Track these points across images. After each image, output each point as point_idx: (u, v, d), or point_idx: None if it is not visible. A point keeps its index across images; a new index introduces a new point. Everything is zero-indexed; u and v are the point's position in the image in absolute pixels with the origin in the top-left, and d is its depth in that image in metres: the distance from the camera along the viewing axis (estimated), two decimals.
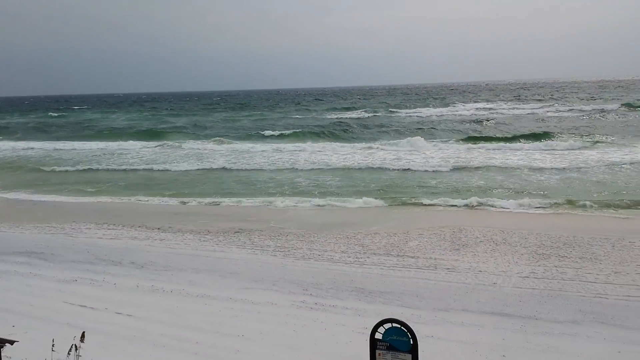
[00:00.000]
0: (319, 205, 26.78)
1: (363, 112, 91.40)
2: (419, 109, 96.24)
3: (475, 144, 48.52)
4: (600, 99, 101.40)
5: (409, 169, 36.63)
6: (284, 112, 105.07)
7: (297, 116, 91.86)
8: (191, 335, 11.52)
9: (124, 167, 43.22)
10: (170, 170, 40.57)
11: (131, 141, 61.00)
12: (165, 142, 59.03)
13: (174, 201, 28.96)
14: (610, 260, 16.55)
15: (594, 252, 17.38)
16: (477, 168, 35.54)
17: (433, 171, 35.43)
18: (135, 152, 52.58)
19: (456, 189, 29.51)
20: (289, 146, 51.34)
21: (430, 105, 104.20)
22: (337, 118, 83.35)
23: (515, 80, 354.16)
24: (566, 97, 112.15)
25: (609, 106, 79.08)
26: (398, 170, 36.52)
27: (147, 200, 29.40)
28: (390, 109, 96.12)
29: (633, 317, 12.34)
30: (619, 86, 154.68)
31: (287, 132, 63.33)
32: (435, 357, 10.17)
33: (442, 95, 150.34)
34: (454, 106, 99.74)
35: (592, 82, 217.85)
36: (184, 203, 28.40)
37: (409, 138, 51.36)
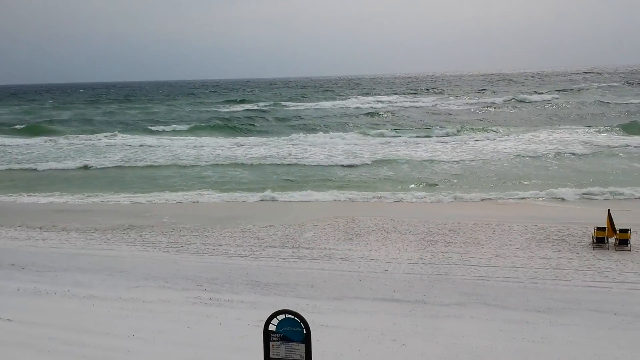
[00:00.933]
0: (216, 200, 26.44)
1: (255, 105, 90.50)
2: (320, 102, 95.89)
3: (377, 137, 49.06)
4: (492, 92, 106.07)
5: (307, 164, 36.79)
6: (178, 104, 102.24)
7: (191, 109, 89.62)
8: (79, 338, 10.97)
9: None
10: (51, 169, 38.17)
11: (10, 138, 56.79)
12: (50, 137, 55.38)
13: (59, 199, 27.47)
14: (492, 244, 17.57)
15: (477, 237, 18.37)
16: (382, 160, 36.48)
17: (330, 165, 35.93)
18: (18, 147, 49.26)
19: (362, 181, 30.23)
20: (187, 140, 50.10)
21: (328, 99, 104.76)
22: (232, 111, 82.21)
23: (408, 74, 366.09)
24: (456, 91, 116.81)
25: (497, 99, 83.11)
26: (301, 165, 36.59)
27: (30, 199, 27.69)
28: (283, 102, 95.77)
29: (512, 298, 13.16)
30: (502, 80, 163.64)
31: (184, 126, 61.25)
32: (329, 345, 10.34)
33: (336, 88, 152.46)
34: (350, 99, 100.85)
35: (480, 75, 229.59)
36: (69, 200, 27.02)
37: (320, 132, 52.33)
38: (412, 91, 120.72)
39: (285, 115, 73.33)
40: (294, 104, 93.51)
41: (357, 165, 34.99)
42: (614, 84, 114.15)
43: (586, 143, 39.14)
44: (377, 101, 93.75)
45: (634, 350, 9.94)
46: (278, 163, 36.85)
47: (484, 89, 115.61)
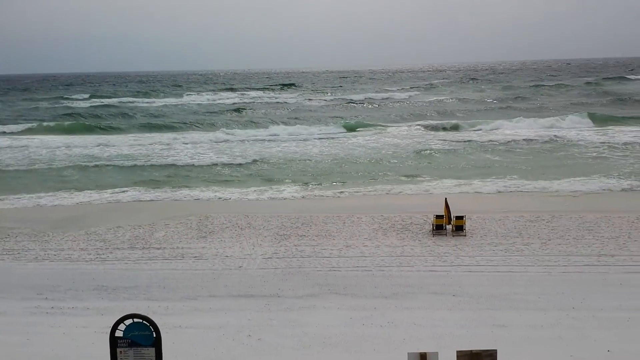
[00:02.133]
0: (60, 202, 24.74)
1: (100, 101, 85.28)
2: (173, 98, 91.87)
3: (244, 134, 48.06)
4: (347, 89, 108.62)
5: (173, 163, 35.39)
6: (10, 100, 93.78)
7: (29, 105, 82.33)
8: None
9: None
10: None
11: None
12: None
13: None
14: (342, 235, 18.20)
15: (328, 229, 18.93)
16: (251, 157, 36.16)
17: (196, 165, 35.04)
18: None
19: (221, 179, 29.84)
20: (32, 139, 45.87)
21: (177, 95, 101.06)
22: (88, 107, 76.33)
23: (262, 70, 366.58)
24: (316, 87, 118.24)
25: (356, 96, 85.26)
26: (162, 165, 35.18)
27: None
28: (132, 98, 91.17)
29: (361, 286, 13.73)
30: (358, 77, 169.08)
31: (26, 124, 55.77)
32: (184, 346, 10.13)
33: (185, 84, 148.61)
34: (206, 94, 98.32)
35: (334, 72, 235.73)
36: None
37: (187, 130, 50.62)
38: (270, 87, 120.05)
39: (140, 111, 69.59)
40: (145, 99, 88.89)
41: (218, 164, 34.37)
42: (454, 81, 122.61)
43: (444, 140, 41.23)
44: (241, 96, 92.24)
45: (470, 328, 10.80)
46: (139, 164, 34.59)
47: (341, 86, 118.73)
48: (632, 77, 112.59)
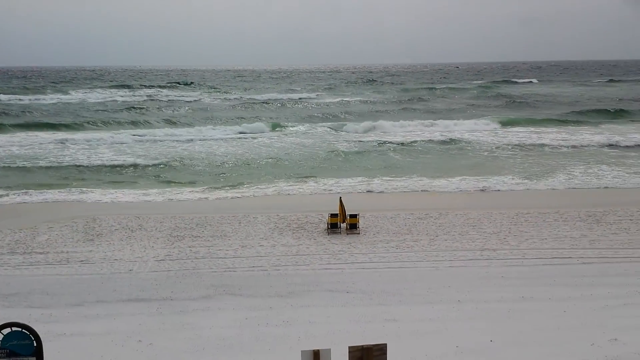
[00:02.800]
0: None
1: None
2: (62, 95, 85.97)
3: (149, 133, 46.07)
4: (253, 89, 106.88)
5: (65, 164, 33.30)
6: None
7: None
8: None
9: None
10: None
11: None
12: None
13: None
14: (238, 235, 18.05)
15: (223, 230, 18.71)
16: (151, 158, 34.74)
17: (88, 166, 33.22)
18: None
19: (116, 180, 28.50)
20: None
21: (64, 91, 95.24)
22: None
23: (156, 66, 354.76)
24: (217, 86, 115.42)
25: (259, 96, 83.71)
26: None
27: None
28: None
29: (257, 286, 13.70)
30: (254, 75, 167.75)
31: None
32: (69, 355, 9.63)
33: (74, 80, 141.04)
34: (98, 91, 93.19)
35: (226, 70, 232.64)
36: None
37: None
38: (168, 85, 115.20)
39: (27, 109, 64.45)
40: (31, 96, 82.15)
41: (115, 164, 32.65)
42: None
43: (348, 141, 41.55)
44: (137, 94, 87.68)
45: (362, 324, 11.05)
46: (29, 165, 31.94)
47: (243, 85, 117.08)
48: (518, 80, 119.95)
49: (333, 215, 18.60)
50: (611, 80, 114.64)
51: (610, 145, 36.78)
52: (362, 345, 5.62)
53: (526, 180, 26.71)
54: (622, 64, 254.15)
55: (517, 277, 14.05)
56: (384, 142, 39.83)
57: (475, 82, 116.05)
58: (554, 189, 25.15)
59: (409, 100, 76.02)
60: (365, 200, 23.31)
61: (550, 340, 9.85)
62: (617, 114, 55.78)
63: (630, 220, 19.10)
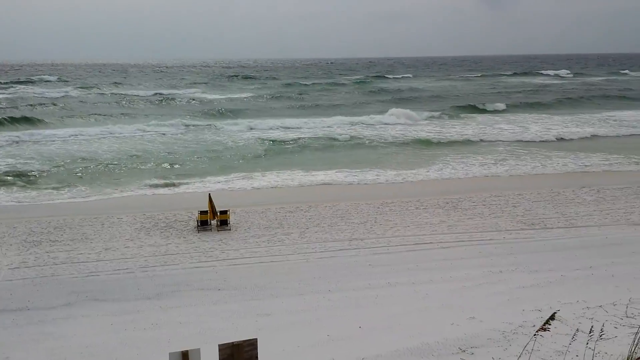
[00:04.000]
0: None
1: None
2: None
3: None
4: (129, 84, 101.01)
5: None
6: None
7: None
8: None
9: None
10: None
11: None
12: None
13: None
14: (101, 238, 17.18)
15: (84, 232, 17.72)
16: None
17: None
18: None
19: None
20: None
21: None
22: None
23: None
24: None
25: (143, 92, 79.29)
26: None
27: None
28: None
29: (124, 290, 13.12)
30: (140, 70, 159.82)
31: None
32: None
33: None
34: None
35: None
36: None
37: None
38: (36, 80, 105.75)
39: None
40: None
41: None
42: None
43: (229, 138, 40.69)
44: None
45: (235, 320, 10.98)
46: None
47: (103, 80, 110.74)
48: (390, 76, 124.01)
49: (203, 213, 18.27)
50: (483, 76, 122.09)
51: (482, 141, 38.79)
52: (232, 342, 5.54)
53: (394, 172, 27.89)
54: (487, 59, 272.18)
55: (383, 264, 14.62)
56: (266, 139, 39.57)
57: (352, 77, 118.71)
58: (420, 181, 26.45)
59: (294, 95, 75.84)
60: (236, 196, 23.14)
61: (414, 322, 10.36)
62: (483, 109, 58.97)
63: (484, 205, 20.56)
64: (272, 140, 38.83)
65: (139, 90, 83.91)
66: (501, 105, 58.71)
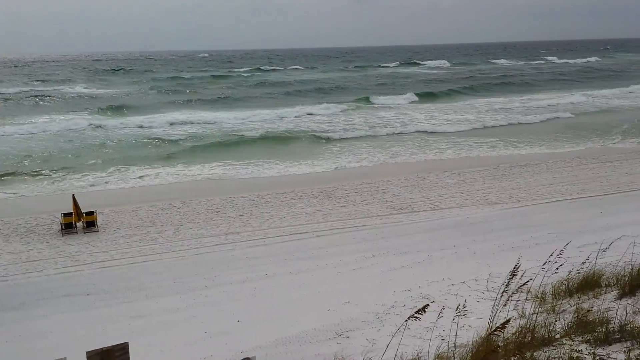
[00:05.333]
0: None
1: None
2: None
3: None
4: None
5: None
6: None
7: None
8: None
9: None
10: None
11: None
12: None
13: None
14: None
15: None
16: None
17: None
18: None
19: None
20: None
21: None
22: None
23: None
24: None
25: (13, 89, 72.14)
26: None
27: None
28: None
29: None
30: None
31: None
32: None
33: None
34: None
35: None
36: None
37: None
38: None
39: None
40: None
41: None
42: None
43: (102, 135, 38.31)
44: None
45: (106, 325, 10.49)
46: None
47: None
48: (267, 67, 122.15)
49: (67, 215, 17.27)
50: (358, 67, 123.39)
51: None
52: (102, 348, 5.29)
53: (274, 164, 27.96)
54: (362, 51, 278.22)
55: (260, 257, 14.64)
56: (148, 135, 37.96)
57: (235, 69, 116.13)
58: (300, 172, 26.71)
59: (179, 89, 73.22)
60: (105, 196, 22.10)
61: (292, 312, 10.47)
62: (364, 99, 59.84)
63: (356, 193, 21.19)
64: (158, 139, 37.38)
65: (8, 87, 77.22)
66: (412, 97, 59.11)
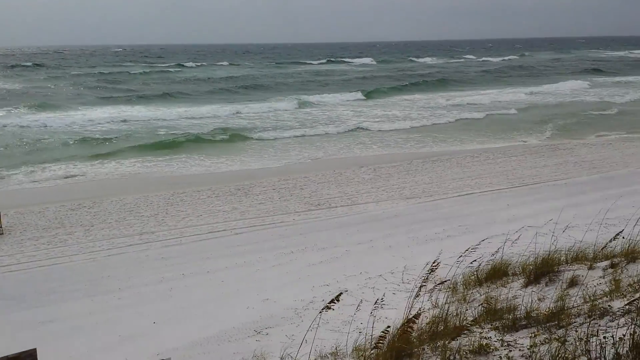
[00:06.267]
0: None
1: None
2: None
3: None
4: None
5: None
6: None
7: None
8: None
9: None
10: None
11: None
12: None
13: None
14: None
15: None
16: None
17: None
18: None
19: None
20: None
21: None
22: None
23: None
24: None
25: None
26: None
27: None
28: None
29: None
30: None
31: None
32: None
33: None
34: None
35: None
36: None
37: None
38: None
39: None
40: None
41: None
42: None
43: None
44: None
45: (15, 333, 9.97)
46: None
47: None
48: (191, 64, 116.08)
49: None
50: (282, 63, 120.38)
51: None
52: (7, 356, 5.04)
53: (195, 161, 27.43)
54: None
55: (177, 256, 14.35)
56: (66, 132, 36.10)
57: (159, 65, 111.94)
58: (218, 170, 26.34)
59: (96, 86, 69.49)
60: (9, 197, 20.97)
61: (210, 311, 10.34)
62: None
63: (274, 189, 21.17)
64: (74, 134, 35.77)
65: None
66: (349, 95, 58.25)
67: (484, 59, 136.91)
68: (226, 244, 15.25)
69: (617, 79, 75.58)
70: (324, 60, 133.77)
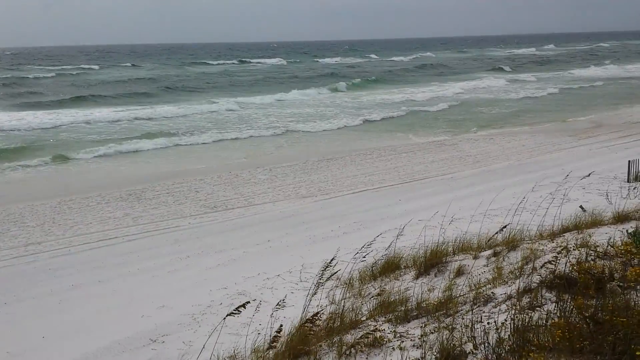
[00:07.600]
0: None
1: None
2: None
3: None
4: None
5: None
6: None
7: None
8: None
9: None
10: None
11: None
12: None
13: None
14: None
15: None
16: None
17: None
18: None
19: None
20: None
21: None
22: None
23: None
24: None
25: None
26: None
27: None
28: None
29: None
30: None
31: None
32: None
33: None
34: None
35: None
36: None
37: None
38: None
39: None
40: None
41: None
42: None
43: None
44: None
45: None
46: None
47: None
48: (95, 66, 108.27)
49: None
50: (188, 64, 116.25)
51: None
52: None
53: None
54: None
55: (66, 267, 13.66)
56: None
57: (55, 67, 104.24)
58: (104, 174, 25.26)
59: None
60: None
61: (103, 322, 9.96)
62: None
63: (167, 193, 20.65)
64: None
65: None
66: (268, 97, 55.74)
67: (391, 58, 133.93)
68: (118, 252, 14.71)
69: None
70: (235, 61, 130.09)
